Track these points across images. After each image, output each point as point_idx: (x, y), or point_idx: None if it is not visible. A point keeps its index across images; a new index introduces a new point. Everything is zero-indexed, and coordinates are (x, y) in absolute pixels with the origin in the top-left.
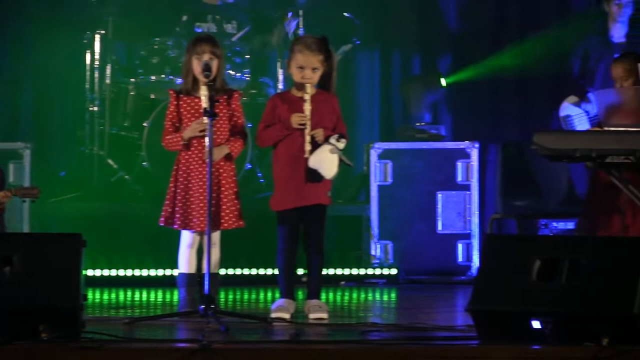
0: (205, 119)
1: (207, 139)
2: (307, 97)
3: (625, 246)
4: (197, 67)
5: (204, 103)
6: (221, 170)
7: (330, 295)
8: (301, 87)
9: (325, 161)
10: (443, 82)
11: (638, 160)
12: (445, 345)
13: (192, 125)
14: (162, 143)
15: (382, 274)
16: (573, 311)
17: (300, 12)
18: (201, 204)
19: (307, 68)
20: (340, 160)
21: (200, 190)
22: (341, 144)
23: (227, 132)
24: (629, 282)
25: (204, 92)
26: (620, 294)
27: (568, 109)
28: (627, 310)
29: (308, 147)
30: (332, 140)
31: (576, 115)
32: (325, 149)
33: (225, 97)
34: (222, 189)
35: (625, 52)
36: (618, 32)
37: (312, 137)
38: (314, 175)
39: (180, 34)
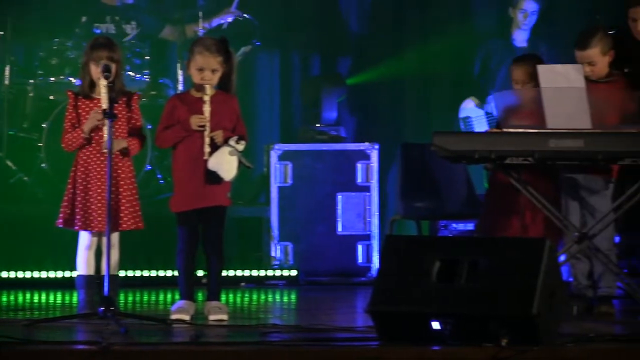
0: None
1: (105, 138)
2: (206, 98)
3: (524, 247)
4: (95, 71)
5: (104, 104)
6: (119, 172)
7: (230, 296)
8: (200, 88)
9: (225, 163)
10: (343, 83)
11: (536, 162)
12: (345, 346)
13: (91, 115)
14: (62, 144)
15: (282, 275)
16: (472, 312)
17: (200, 14)
18: (99, 204)
19: (206, 69)
20: (240, 162)
21: (99, 191)
22: (240, 146)
23: (125, 133)
24: (527, 283)
25: (102, 93)
26: (519, 294)
27: (468, 110)
28: (526, 311)
29: (207, 148)
30: (232, 142)
31: (476, 116)
32: (224, 151)
33: (124, 99)
34: (121, 189)
35: (525, 54)
36: (520, 37)
37: (212, 139)
38: (214, 177)
39: (80, 34)
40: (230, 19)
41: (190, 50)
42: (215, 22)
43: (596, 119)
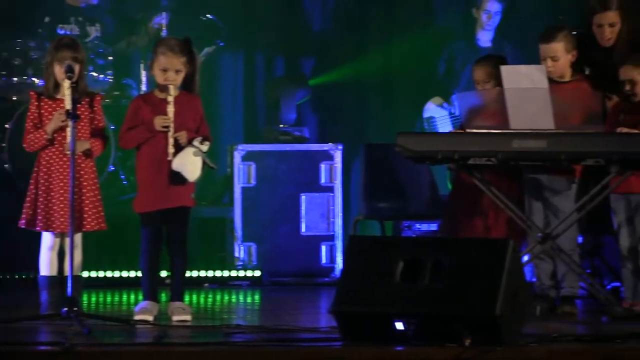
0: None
1: (69, 139)
2: (170, 99)
3: (487, 247)
4: (59, 71)
5: (67, 105)
6: (82, 172)
7: (194, 297)
8: (164, 89)
9: (189, 164)
10: (307, 84)
11: (500, 162)
12: (309, 346)
13: (55, 116)
14: (24, 144)
15: (245, 275)
16: (436, 312)
17: (164, 14)
18: (62, 205)
19: (170, 70)
20: (204, 163)
21: (62, 192)
22: (205, 147)
23: (88, 134)
24: (491, 283)
25: (66, 94)
26: (482, 295)
27: (432, 110)
28: (489, 311)
29: (171, 149)
30: (196, 142)
31: (439, 117)
32: (188, 152)
33: (87, 99)
34: (84, 190)
35: (487, 54)
36: (484, 37)
37: (176, 140)
38: (178, 178)
39: (43, 35)
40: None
41: (153, 51)
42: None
43: (559, 119)
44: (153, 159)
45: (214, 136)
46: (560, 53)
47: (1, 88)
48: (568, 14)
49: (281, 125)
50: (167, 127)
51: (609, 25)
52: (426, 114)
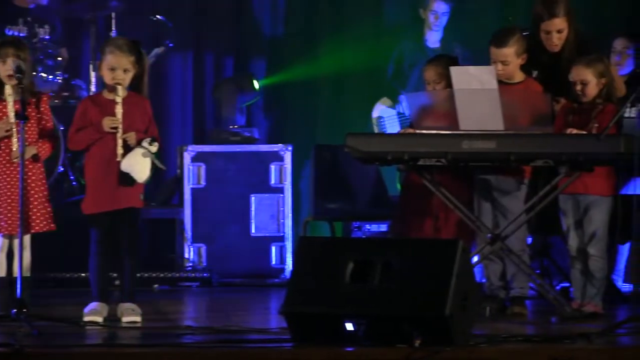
0: (12, 119)
1: (15, 141)
2: (118, 99)
3: (437, 248)
4: (1, 68)
5: (11, 106)
6: (30, 174)
7: (144, 298)
8: (112, 89)
9: (138, 164)
10: (256, 85)
11: (449, 163)
12: (259, 347)
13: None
14: None
15: (195, 277)
16: (386, 313)
17: (113, 15)
18: (9, 207)
19: (118, 69)
20: (153, 164)
21: (8, 194)
22: (153, 147)
23: (35, 135)
24: (440, 284)
25: (9, 94)
26: (432, 295)
27: (380, 110)
28: (439, 311)
29: (120, 150)
30: (145, 143)
31: (388, 117)
32: (137, 153)
33: (33, 100)
34: (32, 191)
35: (439, 55)
36: (433, 38)
37: (125, 141)
38: (127, 179)
39: None
40: None
41: (101, 50)
42: None
43: (508, 120)
44: (101, 160)
45: (163, 137)
46: (510, 58)
47: None
48: (517, 14)
49: (231, 126)
50: (115, 128)
51: (557, 32)
52: (375, 114)
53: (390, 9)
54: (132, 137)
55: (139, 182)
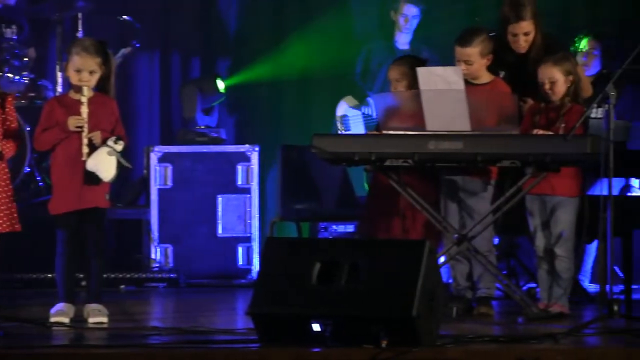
0: None
1: None
2: (84, 99)
3: (404, 249)
4: None
5: None
6: None
7: (111, 299)
8: (79, 89)
9: (103, 163)
10: (221, 86)
11: (416, 164)
12: (226, 348)
13: None
14: None
15: (162, 277)
16: (352, 314)
17: (80, 15)
18: None
19: (84, 70)
20: (119, 163)
21: None
22: (119, 146)
23: (0, 135)
24: (407, 285)
25: None
26: (399, 296)
27: (345, 109)
28: (406, 312)
29: (85, 149)
30: (110, 142)
31: (352, 116)
32: (102, 151)
33: None
34: None
35: (404, 55)
36: (402, 40)
37: (90, 140)
38: (92, 178)
39: None
40: None
41: (68, 51)
42: None
43: (475, 121)
44: (67, 160)
45: (130, 138)
46: (474, 58)
47: None
48: (485, 16)
49: (197, 127)
50: (80, 127)
51: (524, 35)
52: (339, 112)
53: (358, 7)
54: (97, 136)
55: (105, 181)
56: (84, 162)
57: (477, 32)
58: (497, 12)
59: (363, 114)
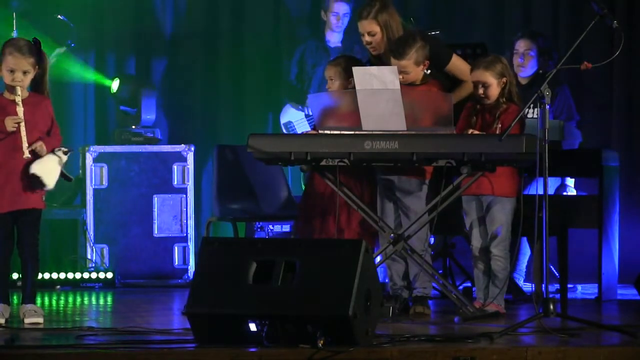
0: None
1: None
2: (18, 99)
3: (340, 248)
4: None
5: None
6: None
7: (46, 299)
8: (12, 90)
9: (50, 171)
10: (114, 86)
11: (352, 163)
12: (161, 348)
13: None
14: None
15: (98, 277)
16: (289, 313)
17: (14, 15)
18: None
19: (17, 71)
20: (62, 173)
21: None
22: (65, 158)
23: None
24: (343, 284)
25: None
26: (335, 295)
27: (289, 114)
28: (342, 312)
29: (25, 144)
30: (59, 152)
31: (297, 120)
32: (51, 159)
33: None
34: None
35: (340, 54)
36: (334, 38)
37: (30, 144)
38: (36, 182)
39: None
40: None
41: (1, 51)
42: None
43: (411, 121)
44: (3, 161)
45: (65, 138)
46: (410, 68)
47: None
48: (418, 13)
49: (133, 127)
50: (18, 124)
51: (368, 34)
52: (283, 119)
53: (291, 7)
54: (41, 148)
55: (47, 187)
56: (25, 162)
57: (410, 42)
58: (428, 4)
59: (306, 115)
